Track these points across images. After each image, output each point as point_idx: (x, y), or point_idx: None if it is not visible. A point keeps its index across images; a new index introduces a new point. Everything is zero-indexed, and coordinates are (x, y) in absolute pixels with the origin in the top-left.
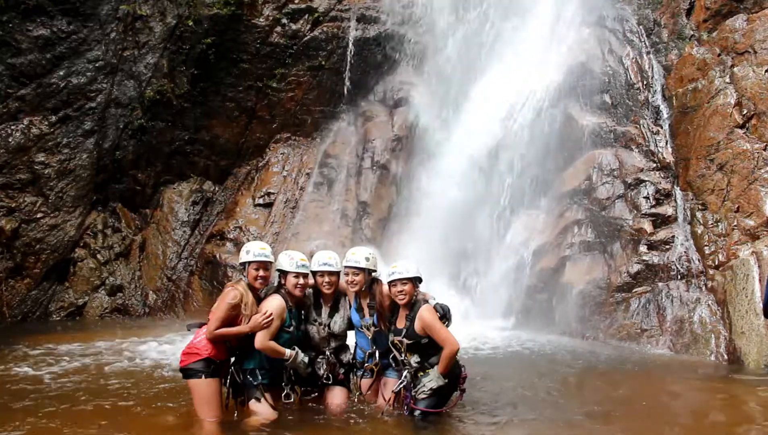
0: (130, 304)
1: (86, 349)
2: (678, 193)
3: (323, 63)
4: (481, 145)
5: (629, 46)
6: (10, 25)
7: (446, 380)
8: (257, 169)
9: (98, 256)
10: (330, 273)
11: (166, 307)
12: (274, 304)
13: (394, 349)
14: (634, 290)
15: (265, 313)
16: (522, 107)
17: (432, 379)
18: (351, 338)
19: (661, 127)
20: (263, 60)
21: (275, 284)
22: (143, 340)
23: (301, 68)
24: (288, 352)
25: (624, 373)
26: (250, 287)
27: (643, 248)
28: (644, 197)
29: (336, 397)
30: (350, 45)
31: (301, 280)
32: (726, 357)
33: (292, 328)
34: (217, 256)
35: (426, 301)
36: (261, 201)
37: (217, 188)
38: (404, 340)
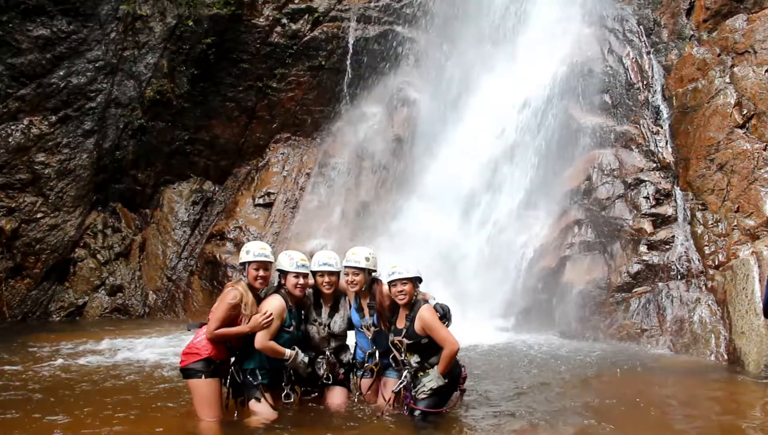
0: (130, 304)
1: (86, 349)
2: (678, 193)
3: (323, 63)
4: (481, 145)
5: (629, 46)
6: (10, 25)
7: (446, 380)
8: (257, 169)
9: (98, 256)
10: (330, 273)
11: (166, 307)
12: (274, 304)
13: (394, 349)
14: (634, 290)
15: (265, 313)
16: (522, 107)
17: (432, 379)
18: (351, 338)
19: (661, 127)
20: (263, 60)
21: (275, 284)
22: (143, 340)
23: (301, 68)
24: (288, 352)
25: (624, 373)
26: (250, 287)
27: (643, 248)
28: (644, 197)
29: (336, 397)
30: (350, 45)
31: (301, 280)
32: (726, 357)
33: (292, 328)
34: (217, 256)
35: (426, 301)
36: (261, 201)
37: (217, 188)
38: (404, 340)
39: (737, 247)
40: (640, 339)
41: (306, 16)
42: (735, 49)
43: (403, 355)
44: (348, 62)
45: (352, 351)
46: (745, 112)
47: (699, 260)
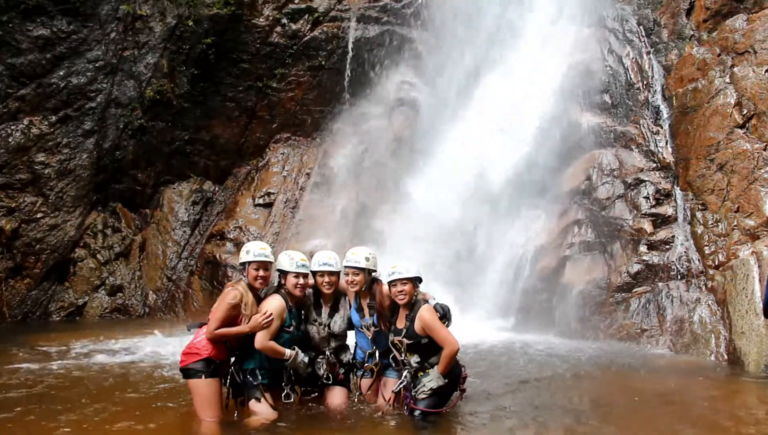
0: (130, 304)
1: (86, 349)
2: (678, 193)
3: (323, 63)
4: (481, 145)
5: (629, 46)
6: (10, 25)
7: (446, 380)
8: (257, 169)
9: (98, 256)
10: (330, 273)
11: (166, 307)
12: (274, 304)
13: (394, 349)
14: (634, 290)
15: (265, 313)
16: (522, 107)
17: (432, 379)
18: (351, 338)
19: (661, 127)
20: (263, 60)
21: (275, 284)
22: (143, 340)
23: (301, 68)
24: (288, 352)
25: (624, 373)
26: (250, 287)
27: (643, 248)
28: (644, 197)
29: (336, 397)
30: (350, 45)
31: (301, 280)
32: (726, 357)
33: (292, 328)
34: (217, 256)
35: (426, 301)
36: (261, 201)
37: (217, 188)
38: (404, 340)
39: (737, 247)
40: (640, 339)
41: (306, 16)
42: (735, 49)
43: (403, 355)
44: (348, 62)
45: (352, 351)
46: (745, 112)
47: (699, 260)
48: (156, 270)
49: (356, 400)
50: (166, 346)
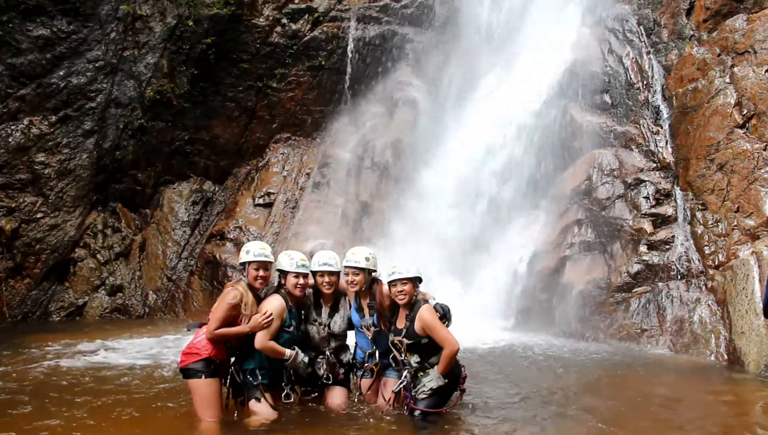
0: (130, 304)
1: (86, 349)
2: (678, 193)
3: (323, 63)
4: (481, 145)
5: (629, 46)
6: (10, 25)
7: (446, 380)
8: (257, 169)
9: (98, 256)
10: (330, 273)
11: (166, 307)
12: (274, 304)
13: (394, 349)
14: (634, 290)
15: (265, 313)
16: (522, 107)
17: (432, 379)
18: (351, 338)
19: (661, 127)
20: (263, 60)
21: (275, 284)
22: (143, 340)
23: (301, 68)
24: (288, 352)
25: (624, 373)
26: (250, 287)
27: (643, 248)
28: (644, 197)
29: (336, 397)
30: (350, 45)
31: (301, 280)
32: (726, 357)
33: (292, 328)
34: (217, 256)
35: (426, 301)
36: (261, 201)
37: (217, 188)
38: (404, 340)
39: (737, 247)
40: (640, 339)
41: (306, 16)
42: (735, 49)
43: (403, 355)
44: (348, 62)
45: (352, 351)
46: (745, 112)
47: (699, 260)
48: (156, 270)
49: (356, 400)
50: (165, 346)
